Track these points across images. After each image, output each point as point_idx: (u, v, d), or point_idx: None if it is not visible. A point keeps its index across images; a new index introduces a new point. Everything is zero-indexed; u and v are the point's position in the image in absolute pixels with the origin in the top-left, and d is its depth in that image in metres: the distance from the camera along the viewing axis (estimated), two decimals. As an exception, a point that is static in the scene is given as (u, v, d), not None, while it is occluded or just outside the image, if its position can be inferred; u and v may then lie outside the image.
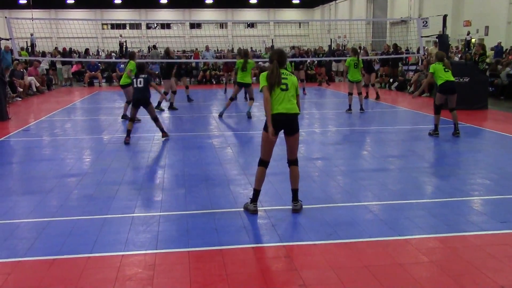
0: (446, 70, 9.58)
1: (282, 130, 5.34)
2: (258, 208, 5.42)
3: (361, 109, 13.41)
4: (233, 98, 13.06)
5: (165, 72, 14.98)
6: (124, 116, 12.29)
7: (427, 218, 5.25)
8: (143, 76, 9.26)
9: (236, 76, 13.29)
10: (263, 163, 5.42)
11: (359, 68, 13.54)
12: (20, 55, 10.46)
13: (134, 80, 9.34)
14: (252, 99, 13.11)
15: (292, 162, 5.47)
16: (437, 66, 9.65)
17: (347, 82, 13.87)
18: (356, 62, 13.37)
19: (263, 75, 5.33)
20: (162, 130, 9.67)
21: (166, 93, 14.00)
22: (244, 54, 13.04)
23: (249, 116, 12.60)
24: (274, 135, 5.25)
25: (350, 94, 13.59)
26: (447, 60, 9.94)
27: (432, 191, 6.35)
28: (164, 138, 9.60)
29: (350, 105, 13.53)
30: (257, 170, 5.45)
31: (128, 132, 9.37)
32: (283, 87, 5.27)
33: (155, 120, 9.56)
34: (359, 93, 13.66)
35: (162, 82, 15.29)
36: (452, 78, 9.61)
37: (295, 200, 5.47)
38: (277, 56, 5.36)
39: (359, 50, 15.85)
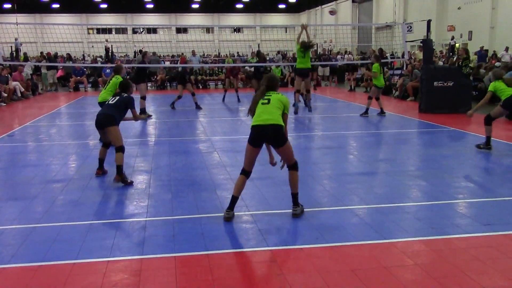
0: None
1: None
2: (237, 214, 5.40)
3: (382, 112, 13.50)
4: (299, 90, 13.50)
5: (138, 76, 14.39)
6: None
7: (412, 221, 5.29)
8: (123, 95, 7.24)
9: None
10: (244, 172, 5.42)
11: (382, 73, 13.49)
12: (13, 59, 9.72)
13: (110, 98, 7.48)
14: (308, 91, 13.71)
15: (291, 167, 5.46)
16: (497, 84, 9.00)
17: (375, 88, 13.58)
18: (380, 68, 13.37)
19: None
20: (119, 168, 6.82)
21: (144, 98, 13.88)
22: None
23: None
24: (254, 146, 5.29)
25: (371, 98, 13.55)
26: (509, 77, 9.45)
27: (417, 194, 6.41)
28: (116, 181, 6.86)
29: (382, 109, 13.55)
30: (238, 177, 5.45)
31: (100, 162, 7.34)
32: (265, 101, 5.35)
33: (117, 150, 6.89)
34: (376, 98, 13.60)
35: (136, 87, 14.50)
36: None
37: (295, 204, 5.45)
38: (267, 82, 5.54)
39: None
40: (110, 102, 7.19)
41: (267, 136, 5.29)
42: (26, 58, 26.22)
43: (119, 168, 6.82)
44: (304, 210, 5.54)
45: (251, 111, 5.43)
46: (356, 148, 9.79)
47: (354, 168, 8.00)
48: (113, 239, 4.80)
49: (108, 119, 6.92)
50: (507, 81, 9.09)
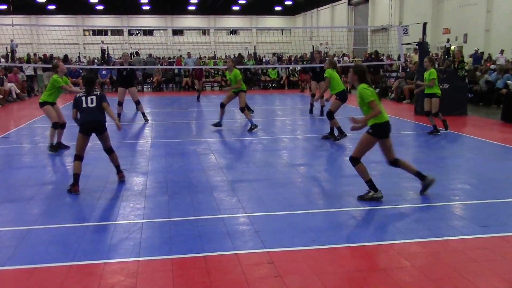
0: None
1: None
2: (233, 215, 5.46)
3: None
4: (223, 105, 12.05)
5: (128, 80, 13.55)
6: (52, 147, 9.31)
7: (409, 223, 5.30)
8: (95, 93, 6.85)
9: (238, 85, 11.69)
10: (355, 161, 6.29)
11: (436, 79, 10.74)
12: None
13: (83, 98, 6.74)
14: (242, 109, 11.72)
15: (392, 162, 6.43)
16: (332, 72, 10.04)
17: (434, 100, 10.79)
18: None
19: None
20: (118, 167, 7.10)
21: (138, 102, 13.41)
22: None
23: (253, 128, 11.70)
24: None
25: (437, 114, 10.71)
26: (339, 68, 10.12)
27: (413, 196, 6.41)
28: (120, 180, 7.08)
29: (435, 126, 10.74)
30: (358, 166, 6.25)
31: (76, 177, 6.55)
32: None
33: (109, 152, 7.01)
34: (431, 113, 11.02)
35: (118, 90, 13.54)
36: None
37: (421, 178, 6.31)
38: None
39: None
40: (89, 106, 6.66)
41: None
42: (28, 60, 26.10)
43: (118, 166, 7.06)
44: (300, 212, 5.54)
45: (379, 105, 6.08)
46: (351, 149, 9.77)
47: (350, 169, 7.97)
48: (109, 241, 4.78)
49: (101, 127, 6.76)
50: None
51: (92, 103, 6.67)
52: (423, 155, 9.19)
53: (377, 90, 19.94)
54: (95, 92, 6.86)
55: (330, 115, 9.94)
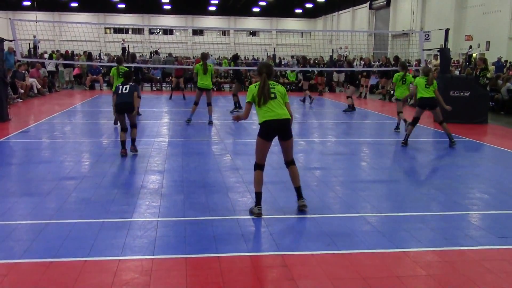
0: (427, 86, 9.77)
1: (277, 136, 5.59)
2: (248, 217, 5.50)
3: (397, 128, 12.13)
4: (197, 103, 12.73)
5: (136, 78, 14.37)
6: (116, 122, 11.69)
7: (425, 231, 5.24)
8: (130, 83, 8.93)
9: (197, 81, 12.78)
10: (259, 166, 5.66)
11: (407, 84, 11.88)
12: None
13: (120, 86, 8.86)
14: (209, 104, 12.68)
15: (290, 162, 5.74)
16: (419, 80, 9.81)
17: (396, 101, 12.26)
18: (402, 77, 11.77)
19: (251, 89, 5.66)
20: (134, 140, 8.95)
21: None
22: (203, 57, 12.80)
23: (211, 123, 12.64)
24: (268, 140, 5.55)
25: (400, 112, 11.81)
26: (431, 75, 9.98)
27: (430, 204, 6.34)
28: (132, 153, 8.83)
29: (405, 120, 11.38)
30: (254, 174, 5.65)
31: (123, 144, 8.75)
32: (272, 95, 5.55)
33: (133, 126, 8.96)
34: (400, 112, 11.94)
35: None
36: (429, 95, 9.79)
37: (300, 197, 5.70)
38: (266, 69, 5.64)
39: (407, 64, 13.45)
40: (124, 91, 8.71)
41: (281, 130, 5.53)
42: (51, 56, 26.43)
43: (134, 141, 8.95)
44: (316, 216, 5.53)
45: (262, 103, 5.50)
46: (369, 155, 9.73)
47: (367, 175, 7.95)
48: (124, 238, 4.81)
49: (131, 107, 8.73)
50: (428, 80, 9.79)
51: (126, 90, 8.74)
52: (442, 163, 9.10)
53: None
54: (130, 83, 8.92)
55: (412, 120, 10.00)
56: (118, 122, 9.41)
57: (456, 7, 34.22)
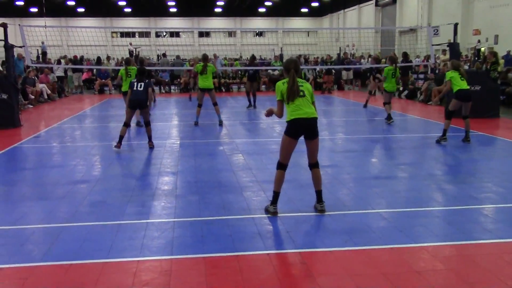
0: (462, 78, 9.64)
1: (302, 135, 5.51)
2: (264, 216, 5.51)
3: (389, 119, 12.67)
4: (200, 105, 12.77)
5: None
6: (138, 123, 12.28)
7: (442, 225, 5.22)
8: (145, 80, 9.46)
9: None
10: (282, 166, 5.58)
11: (396, 77, 12.83)
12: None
13: (134, 83, 9.41)
14: (215, 104, 12.68)
15: (314, 165, 5.64)
16: (453, 73, 9.70)
17: (384, 93, 13.04)
18: (394, 72, 12.62)
19: (279, 86, 5.51)
20: (150, 137, 9.57)
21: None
22: (203, 58, 12.84)
23: (221, 123, 12.64)
24: (295, 139, 5.45)
25: (387, 104, 12.75)
26: (463, 69, 9.97)
27: (446, 198, 6.31)
28: (149, 147, 9.52)
29: (389, 115, 12.64)
30: (276, 173, 5.59)
31: (120, 138, 9.28)
32: (301, 94, 5.45)
33: (147, 124, 9.55)
34: (388, 103, 12.82)
35: None
36: (467, 86, 9.64)
37: (320, 201, 5.63)
38: (294, 65, 5.52)
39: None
40: (138, 89, 9.30)
41: (308, 129, 5.45)
42: (58, 61, 26.61)
43: (151, 137, 9.54)
44: (332, 213, 5.52)
45: (291, 100, 5.41)
46: (381, 152, 9.71)
47: (380, 171, 7.93)
48: (142, 239, 4.83)
49: (144, 104, 9.35)
50: (462, 72, 9.82)
51: (140, 87, 9.31)
52: (455, 157, 9.05)
53: (406, 92, 19.75)
54: (145, 80, 9.46)
55: (448, 114, 9.87)
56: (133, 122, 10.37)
57: (463, 1, 34.00)
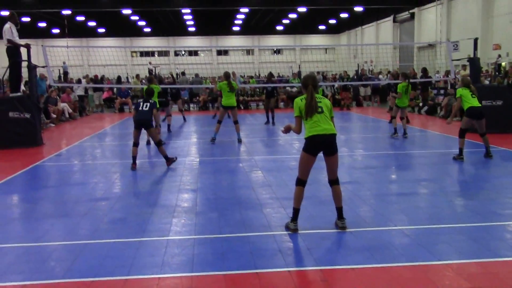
0: (473, 96, 9.49)
1: (322, 151, 5.49)
2: (284, 233, 5.47)
3: (405, 134, 12.92)
4: (220, 121, 12.81)
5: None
6: (148, 142, 12.35)
7: (467, 242, 5.12)
8: (150, 101, 9.49)
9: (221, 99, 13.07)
10: (301, 182, 5.56)
11: (408, 93, 13.17)
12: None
13: (140, 103, 9.51)
14: (236, 122, 12.76)
15: (334, 181, 5.59)
16: (463, 91, 9.56)
17: (394, 107, 13.45)
18: (407, 88, 12.95)
19: (297, 102, 5.51)
20: (165, 157, 9.42)
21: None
22: (226, 76, 12.94)
23: (240, 141, 12.63)
24: (313, 155, 5.43)
25: (394, 118, 13.33)
26: (473, 86, 9.84)
27: (469, 215, 6.19)
28: (168, 165, 9.40)
29: (395, 129, 13.17)
30: (295, 189, 5.57)
31: (134, 159, 9.36)
32: (319, 110, 5.42)
33: (158, 145, 9.44)
34: (402, 118, 13.17)
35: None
36: (478, 104, 9.49)
37: (341, 217, 5.57)
38: (312, 81, 5.49)
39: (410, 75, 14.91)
40: (144, 109, 9.33)
41: (327, 145, 5.43)
42: (79, 81, 27.10)
43: (166, 157, 9.38)
44: (353, 229, 5.46)
45: (309, 116, 5.40)
46: (401, 168, 9.61)
47: (401, 188, 7.84)
48: (162, 256, 4.83)
49: (148, 124, 9.35)
50: (472, 89, 9.66)
51: (146, 107, 9.35)
52: (477, 173, 8.91)
53: (425, 107, 19.58)
54: (150, 101, 9.50)
55: (461, 133, 9.70)
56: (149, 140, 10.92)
57: (482, 16, 33.76)
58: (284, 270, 4.46)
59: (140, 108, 9.36)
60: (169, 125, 15.37)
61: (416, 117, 18.80)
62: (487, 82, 22.29)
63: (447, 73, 20.20)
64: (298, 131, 5.59)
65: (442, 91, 21.39)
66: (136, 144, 9.40)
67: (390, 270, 4.41)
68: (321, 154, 5.52)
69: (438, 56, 31.56)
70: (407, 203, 6.77)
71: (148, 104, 9.38)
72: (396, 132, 13.12)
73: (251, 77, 35.43)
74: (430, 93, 21.02)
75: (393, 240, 5.19)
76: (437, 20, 39.54)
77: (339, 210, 5.60)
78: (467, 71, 20.27)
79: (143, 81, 32.92)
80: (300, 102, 5.49)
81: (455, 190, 7.55)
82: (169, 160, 9.42)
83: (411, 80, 18.88)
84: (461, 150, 9.63)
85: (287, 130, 5.74)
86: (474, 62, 14.14)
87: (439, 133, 14.17)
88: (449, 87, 20.45)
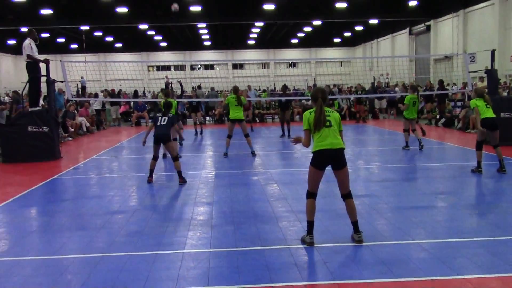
0: (488, 106, 9.39)
1: (330, 165, 5.50)
2: (301, 246, 5.45)
3: (420, 144, 12.92)
4: (230, 136, 12.75)
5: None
6: (164, 155, 12.26)
7: (486, 256, 5.03)
8: (169, 115, 9.46)
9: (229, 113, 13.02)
10: (311, 195, 5.58)
11: (417, 106, 13.30)
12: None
13: (159, 117, 9.41)
14: (247, 135, 12.79)
15: (346, 195, 5.58)
16: (478, 102, 9.45)
17: (403, 120, 13.47)
18: (415, 100, 13.10)
19: (306, 115, 5.56)
20: (179, 173, 9.19)
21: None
22: (234, 90, 12.97)
23: (254, 154, 12.59)
24: (320, 169, 5.45)
25: (406, 131, 13.30)
26: (487, 96, 9.74)
27: (489, 228, 6.09)
28: (180, 184, 9.10)
29: (407, 142, 13.19)
30: (306, 202, 5.58)
31: (151, 172, 9.35)
32: (327, 124, 5.44)
33: (175, 159, 9.26)
34: (413, 130, 13.31)
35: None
36: (492, 114, 9.38)
37: (357, 231, 5.53)
38: (322, 94, 5.53)
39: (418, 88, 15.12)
40: (162, 123, 9.28)
41: (334, 160, 5.43)
42: (96, 95, 27.44)
43: (180, 173, 9.18)
44: (370, 243, 5.40)
45: (317, 129, 5.42)
46: (419, 181, 9.50)
47: (418, 201, 7.75)
48: (178, 269, 4.82)
49: (167, 138, 9.29)
50: (486, 99, 9.51)
51: (164, 122, 9.30)
52: (495, 186, 8.78)
53: (443, 120, 19.41)
54: (169, 115, 9.49)
55: (477, 145, 9.60)
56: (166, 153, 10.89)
57: (499, 28, 33.52)
58: (300, 284, 4.43)
59: (159, 123, 9.30)
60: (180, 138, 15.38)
61: (433, 129, 18.65)
62: (505, 94, 22.05)
63: (465, 85, 20.03)
64: (307, 144, 5.61)
65: (459, 103, 21.19)
66: (155, 158, 9.39)
67: (408, 285, 4.35)
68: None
69: (455, 68, 31.32)
70: (424, 216, 6.69)
71: (167, 118, 9.33)
72: (407, 145, 13.09)
73: (264, 91, 35.51)
74: (447, 105, 20.85)
75: (411, 254, 5.13)
76: (453, 32, 39.33)
77: (355, 224, 5.56)
78: (485, 83, 20.09)
79: (159, 95, 33.25)
80: (309, 115, 5.52)
81: (473, 203, 7.44)
82: (182, 178, 9.18)
83: (426, 93, 18.80)
84: (479, 163, 9.52)
85: (296, 141, 5.78)
86: (491, 73, 14.00)
87: (456, 146, 14.02)
88: (466, 99, 20.27)
